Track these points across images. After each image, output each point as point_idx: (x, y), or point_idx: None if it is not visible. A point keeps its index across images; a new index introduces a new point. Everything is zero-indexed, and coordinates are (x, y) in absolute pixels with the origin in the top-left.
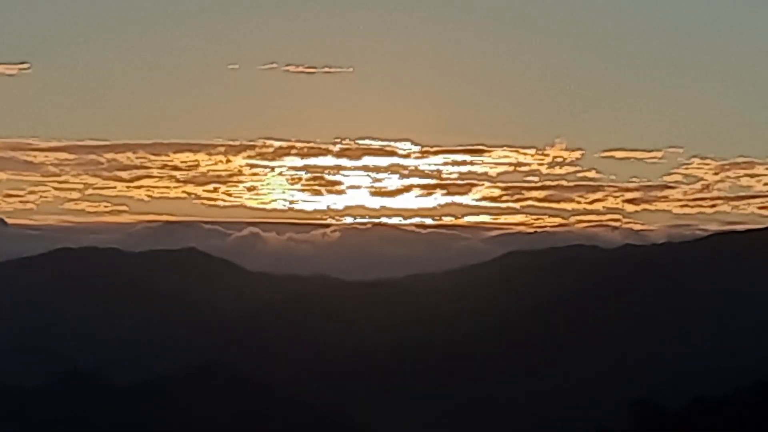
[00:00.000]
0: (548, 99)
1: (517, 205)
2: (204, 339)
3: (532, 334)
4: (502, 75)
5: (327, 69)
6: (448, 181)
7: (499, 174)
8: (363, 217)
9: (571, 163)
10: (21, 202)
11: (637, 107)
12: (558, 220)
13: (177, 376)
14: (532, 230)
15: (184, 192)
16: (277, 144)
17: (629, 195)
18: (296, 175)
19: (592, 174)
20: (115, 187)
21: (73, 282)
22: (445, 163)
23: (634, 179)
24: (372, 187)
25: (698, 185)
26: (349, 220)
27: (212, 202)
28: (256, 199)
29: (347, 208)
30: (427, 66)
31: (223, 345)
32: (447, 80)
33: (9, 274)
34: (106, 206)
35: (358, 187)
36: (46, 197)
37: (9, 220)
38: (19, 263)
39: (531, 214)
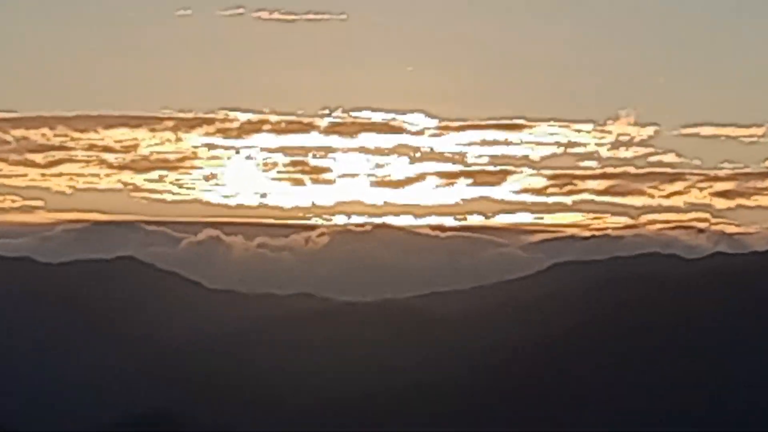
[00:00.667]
0: (610, 58)
1: (568, 200)
2: (147, 380)
3: (587, 373)
4: (549, 25)
5: (312, 15)
6: (476, 168)
7: (543, 158)
8: (360, 215)
9: (641, 143)
10: None
11: (729, 70)
12: (624, 221)
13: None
14: (588, 234)
15: (119, 182)
16: (243, 117)
17: (720, 186)
18: (269, 158)
19: (669, 158)
20: (26, 175)
21: None
22: (472, 143)
23: (725, 165)
24: (373, 175)
25: None
26: (341, 219)
27: (157, 196)
28: (216, 192)
29: (339, 204)
30: (448, 12)
31: (172, 388)
32: (474, 31)
33: None
34: (13, 201)
35: (354, 175)
36: None
37: None
38: None
39: (587, 211)
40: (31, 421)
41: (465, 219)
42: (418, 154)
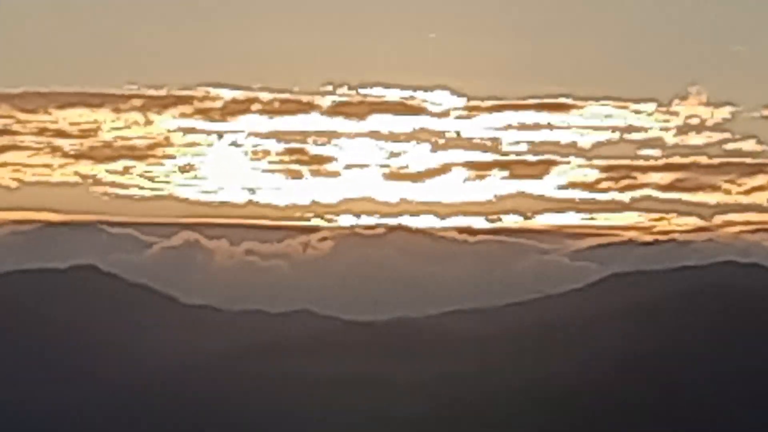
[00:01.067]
0: (676, 24)
1: (625, 197)
2: (112, 412)
3: (652, 407)
4: None
5: None
6: (513, 157)
7: (595, 145)
8: (372, 215)
9: (714, 128)
10: None
11: None
12: (694, 222)
13: None
14: (651, 238)
15: (75, 174)
16: (228, 95)
17: None
18: (261, 145)
19: (749, 145)
20: None
21: None
22: (507, 127)
23: None
24: (386, 165)
25: None
26: (348, 220)
27: (122, 191)
28: (195, 187)
29: (345, 201)
30: None
31: (142, 424)
32: None
33: None
34: None
35: (364, 166)
36: None
37: None
38: None
39: (649, 211)
40: None
41: (499, 220)
42: (441, 141)
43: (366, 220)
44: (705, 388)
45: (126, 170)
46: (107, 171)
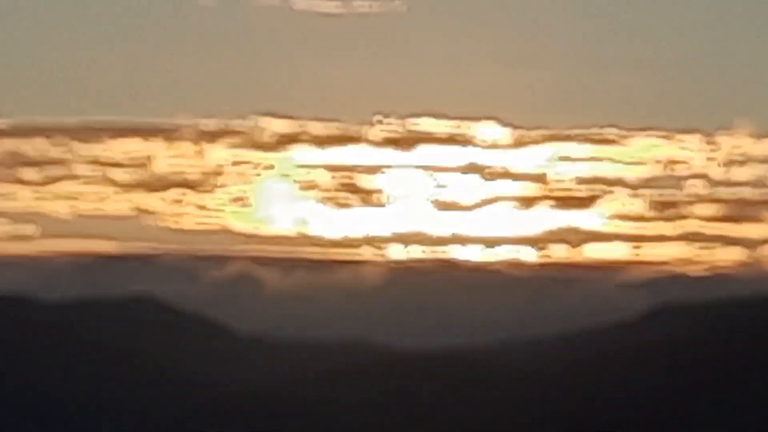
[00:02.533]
0: (722, 55)
1: (671, 229)
2: None
3: None
4: (648, 17)
5: (361, 5)
6: (559, 189)
7: (642, 178)
8: (421, 245)
9: (760, 160)
10: None
11: None
12: (740, 253)
13: None
14: (699, 272)
15: (129, 203)
16: (279, 126)
17: None
18: (311, 176)
19: None
20: (15, 195)
21: None
22: (554, 159)
23: None
24: (435, 197)
25: None
26: (397, 251)
27: (175, 222)
28: (246, 216)
29: (395, 234)
30: (524, 2)
31: None
32: (556, 25)
33: None
34: (0, 225)
35: (413, 196)
36: None
37: None
38: None
39: (696, 242)
40: None
41: (547, 250)
42: (490, 173)
43: (415, 252)
44: (748, 412)
45: (179, 201)
46: (161, 200)
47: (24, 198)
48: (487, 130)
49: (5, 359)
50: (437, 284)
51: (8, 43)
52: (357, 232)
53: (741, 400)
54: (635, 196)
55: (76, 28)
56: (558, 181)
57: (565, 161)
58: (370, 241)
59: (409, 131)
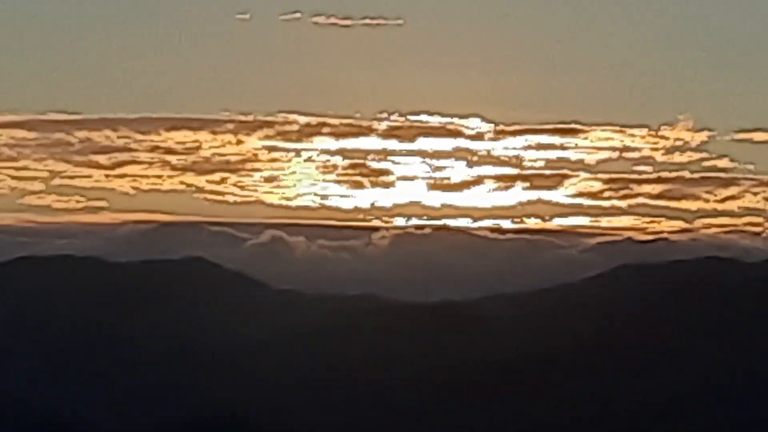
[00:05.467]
0: (665, 63)
1: (624, 204)
2: (214, 380)
3: (652, 376)
4: (604, 30)
5: (368, 20)
6: (532, 171)
7: (599, 162)
8: (420, 218)
9: (696, 149)
10: None
11: None
12: (679, 224)
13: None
14: (646, 237)
15: (181, 183)
16: (303, 120)
17: None
18: (330, 161)
19: (723, 163)
20: (90, 176)
21: (42, 300)
22: (528, 147)
23: None
24: (431, 178)
25: None
26: (401, 221)
27: (220, 197)
28: (278, 194)
29: (398, 206)
30: (503, 17)
31: (239, 388)
32: (529, 36)
33: None
34: (78, 201)
35: (413, 178)
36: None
37: None
38: None
39: (643, 215)
40: (108, 415)
41: (522, 222)
42: (475, 158)
43: (415, 222)
44: (689, 360)
45: (222, 180)
46: (207, 181)
47: (96, 178)
48: (472, 124)
49: (84, 310)
50: (433, 248)
51: (80, 52)
52: (367, 205)
53: (683, 341)
54: (594, 177)
55: (135, 38)
56: (531, 165)
57: (536, 149)
58: (378, 212)
59: (410, 125)
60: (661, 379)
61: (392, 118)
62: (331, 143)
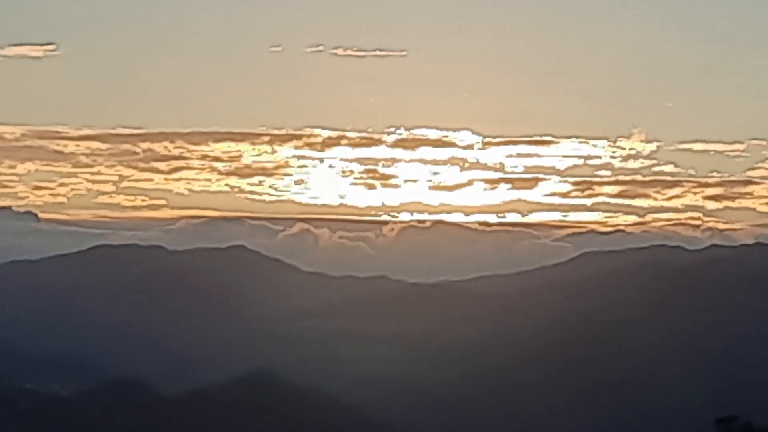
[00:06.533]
0: (622, 86)
1: (588, 202)
2: (256, 344)
3: (612, 344)
4: (572, 59)
5: (378, 52)
6: (513, 175)
7: (568, 168)
8: (421, 213)
9: (646, 156)
10: (51, 194)
11: (717, 96)
12: (633, 219)
13: (224, 386)
14: (606, 229)
15: (226, 185)
16: (325, 134)
17: (710, 191)
18: (347, 167)
19: (669, 168)
20: (152, 180)
21: (114, 282)
22: (509, 156)
23: (714, 174)
24: (430, 180)
25: None
26: (406, 216)
27: (257, 197)
28: (305, 193)
29: (403, 204)
30: (489, 49)
31: (275, 352)
32: (510, 64)
33: (43, 273)
34: (143, 200)
35: (415, 180)
36: (78, 190)
37: (41, 215)
38: (53, 261)
39: (604, 211)
40: (168, 373)
41: (505, 216)
42: (466, 165)
43: (417, 217)
44: (642, 327)
45: (260, 183)
46: (247, 183)
47: (157, 181)
48: (463, 137)
49: (147, 288)
50: (432, 238)
51: (143, 79)
52: (378, 203)
53: (637, 313)
54: (563, 180)
55: (188, 66)
56: (512, 170)
57: (516, 157)
58: (387, 209)
59: (413, 137)
60: (618, 342)
61: (398, 132)
62: (349, 152)
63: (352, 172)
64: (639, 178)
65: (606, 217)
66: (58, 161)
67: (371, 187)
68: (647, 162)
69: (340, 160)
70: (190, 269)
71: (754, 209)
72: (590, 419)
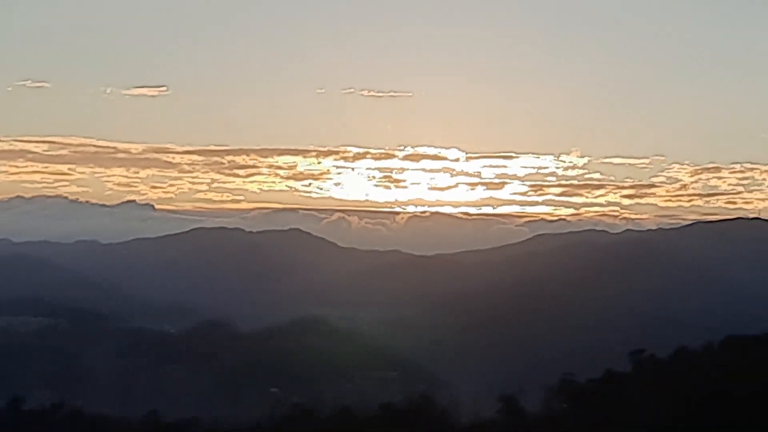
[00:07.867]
0: (564, 116)
1: (539, 199)
2: (309, 297)
3: (556, 296)
4: (529, 94)
5: (392, 93)
6: (487, 180)
7: (526, 174)
8: (422, 206)
9: (581, 167)
10: (164, 192)
11: (631, 123)
12: (572, 211)
13: (286, 327)
14: (553, 218)
15: (286, 186)
16: (355, 150)
17: (625, 192)
18: (371, 174)
19: (596, 175)
20: (234, 182)
21: (208, 253)
22: (485, 166)
23: (628, 179)
24: (429, 183)
25: (677, 185)
26: (411, 209)
27: (308, 194)
28: (341, 192)
29: (410, 200)
30: (469, 91)
31: (322, 302)
32: (485, 102)
33: (158, 248)
34: (227, 196)
35: (418, 183)
36: (182, 189)
37: (156, 206)
38: (165, 239)
39: (551, 205)
40: (246, 317)
41: (481, 209)
42: (454, 172)
43: (420, 209)
44: (576, 290)
45: (310, 185)
46: (301, 185)
47: (237, 184)
48: (453, 153)
49: (230, 259)
50: (430, 224)
51: (227, 107)
52: (392, 199)
53: (574, 279)
54: (522, 183)
55: (258, 101)
56: (486, 176)
57: (490, 167)
58: (399, 203)
59: (417, 153)
60: (560, 297)
61: (406, 149)
62: (372, 163)
63: (374, 177)
64: (575, 182)
65: (552, 210)
66: (168, 168)
67: (387, 187)
68: (582, 171)
69: (366, 169)
70: (261, 245)
71: (656, 204)
72: (531, 351)
